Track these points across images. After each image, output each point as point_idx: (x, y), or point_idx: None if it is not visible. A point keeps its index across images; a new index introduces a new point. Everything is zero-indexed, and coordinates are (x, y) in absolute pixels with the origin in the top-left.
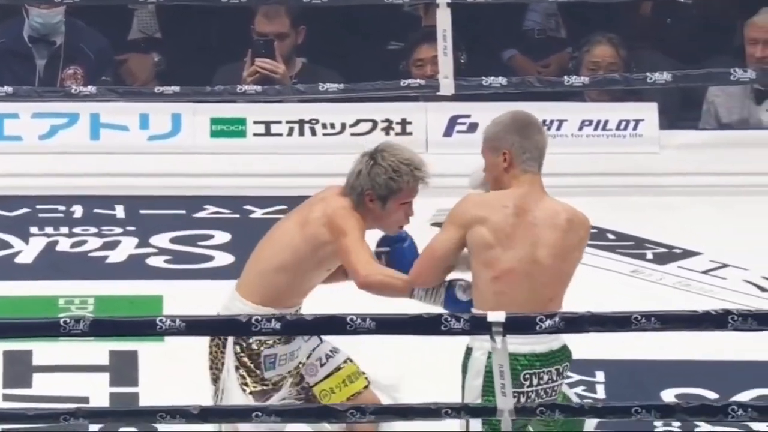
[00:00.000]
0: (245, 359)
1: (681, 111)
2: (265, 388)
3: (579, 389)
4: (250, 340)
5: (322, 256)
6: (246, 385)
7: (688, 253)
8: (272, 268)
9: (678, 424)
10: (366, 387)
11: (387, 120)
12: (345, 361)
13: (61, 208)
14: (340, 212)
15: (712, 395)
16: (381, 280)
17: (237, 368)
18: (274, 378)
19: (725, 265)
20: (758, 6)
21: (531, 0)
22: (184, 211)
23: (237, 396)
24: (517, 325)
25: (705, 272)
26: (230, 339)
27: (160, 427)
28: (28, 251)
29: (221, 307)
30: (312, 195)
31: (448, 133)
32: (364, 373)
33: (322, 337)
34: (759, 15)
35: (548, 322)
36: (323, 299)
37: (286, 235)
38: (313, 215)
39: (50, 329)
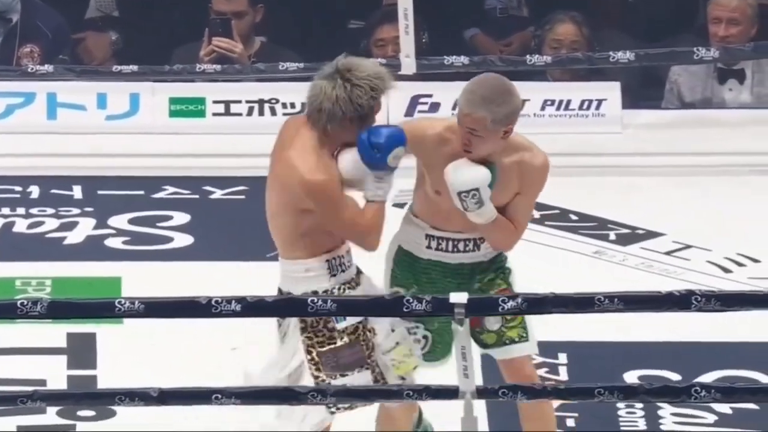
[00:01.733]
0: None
1: (644, 90)
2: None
3: (542, 371)
4: (315, 293)
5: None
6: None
7: (651, 234)
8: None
9: (641, 405)
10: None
11: None
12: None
13: (18, 188)
14: (318, 183)
15: (675, 377)
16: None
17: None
18: (348, 329)
19: (688, 246)
20: None
21: None
22: (142, 192)
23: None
24: (480, 305)
25: (668, 253)
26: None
27: (118, 409)
28: None
29: (283, 280)
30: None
31: (409, 112)
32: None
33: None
34: None
35: (510, 303)
36: None
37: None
38: (289, 181)
39: (7, 311)
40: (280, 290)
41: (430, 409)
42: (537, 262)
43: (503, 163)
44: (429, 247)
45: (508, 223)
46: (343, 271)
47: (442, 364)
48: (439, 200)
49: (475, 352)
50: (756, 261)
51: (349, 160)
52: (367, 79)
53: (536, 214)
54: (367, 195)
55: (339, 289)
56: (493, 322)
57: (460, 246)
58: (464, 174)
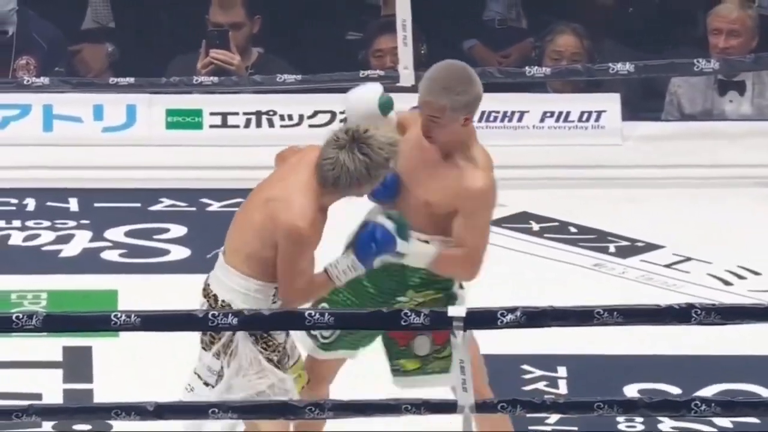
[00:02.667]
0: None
1: (644, 102)
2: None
3: (541, 384)
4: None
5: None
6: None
7: (651, 247)
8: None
9: (641, 419)
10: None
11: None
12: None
13: (14, 201)
14: (300, 231)
15: (675, 390)
16: (308, 298)
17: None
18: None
19: (688, 259)
20: None
21: None
22: (139, 204)
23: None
24: (478, 319)
25: (668, 266)
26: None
27: (114, 424)
28: None
29: (222, 288)
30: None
31: None
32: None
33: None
34: (722, 4)
35: (509, 317)
36: None
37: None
38: (279, 213)
39: (2, 324)
40: (210, 291)
41: (428, 424)
42: (536, 275)
43: (457, 164)
44: None
45: (455, 254)
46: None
47: (348, 356)
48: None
49: None
50: (756, 273)
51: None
52: (383, 152)
53: (535, 227)
54: (331, 269)
55: None
56: (422, 348)
57: None
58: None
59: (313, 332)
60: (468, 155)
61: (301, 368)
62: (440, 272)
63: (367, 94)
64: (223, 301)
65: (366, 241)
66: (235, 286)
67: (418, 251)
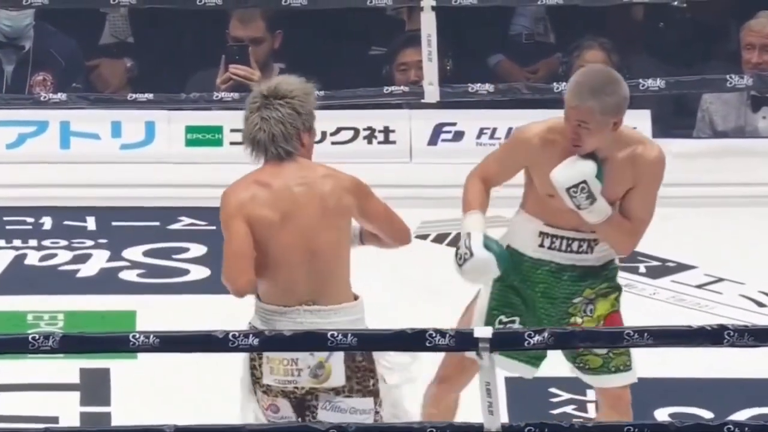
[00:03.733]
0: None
1: (675, 119)
2: None
3: (569, 408)
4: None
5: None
6: None
7: (682, 267)
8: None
9: None
10: None
11: (369, 128)
12: None
13: (30, 219)
14: (355, 179)
15: (707, 414)
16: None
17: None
18: None
19: (721, 279)
20: (754, 10)
21: (519, 3)
22: (158, 223)
23: None
24: (505, 340)
25: (700, 286)
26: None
27: None
28: None
29: None
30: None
31: (432, 141)
32: None
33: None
34: (756, 19)
35: (537, 338)
36: None
37: (323, 231)
38: (328, 193)
39: (18, 346)
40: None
41: None
42: None
43: (615, 157)
44: (542, 245)
45: (624, 221)
46: None
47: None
48: (552, 202)
49: (501, 386)
50: None
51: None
52: (301, 90)
53: None
54: None
55: None
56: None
57: (574, 246)
58: (568, 170)
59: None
60: (626, 138)
61: None
62: (603, 235)
63: (486, 266)
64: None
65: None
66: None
67: (602, 204)
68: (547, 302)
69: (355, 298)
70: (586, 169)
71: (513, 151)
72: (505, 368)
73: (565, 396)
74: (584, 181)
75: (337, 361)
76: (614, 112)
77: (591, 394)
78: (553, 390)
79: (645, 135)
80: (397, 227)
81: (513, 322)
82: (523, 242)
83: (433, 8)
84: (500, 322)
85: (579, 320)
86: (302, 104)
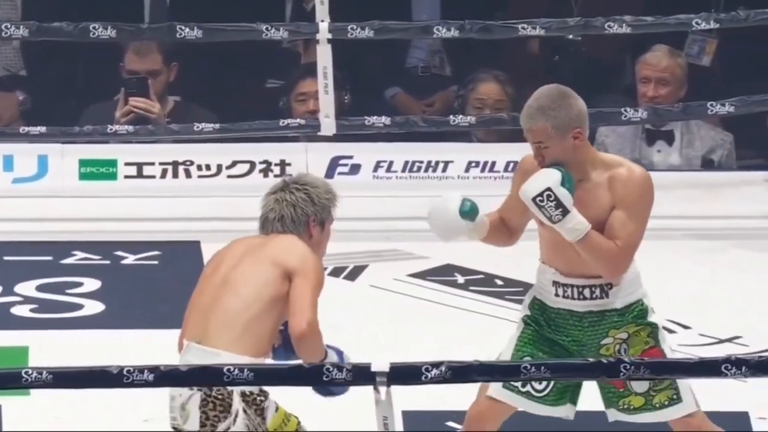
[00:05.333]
0: (253, 415)
1: None
2: None
3: None
4: (255, 394)
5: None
6: None
7: None
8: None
9: None
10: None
11: (265, 161)
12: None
13: None
14: (313, 257)
15: None
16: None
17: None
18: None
19: None
20: (649, 44)
21: (415, 36)
22: (51, 258)
23: None
24: (403, 374)
25: None
26: (236, 398)
27: None
28: None
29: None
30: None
31: (329, 174)
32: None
33: None
34: (652, 52)
35: (434, 372)
36: None
37: (256, 276)
38: (283, 256)
39: None
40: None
41: None
42: (461, 329)
43: (592, 179)
44: (557, 294)
45: (605, 242)
46: None
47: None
48: (547, 234)
49: (398, 420)
50: (686, 327)
51: None
52: (320, 184)
53: (461, 279)
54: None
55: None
56: (641, 385)
57: (586, 293)
58: (532, 181)
59: (524, 387)
60: (606, 161)
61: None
62: (586, 256)
63: (446, 204)
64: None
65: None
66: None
67: (576, 217)
68: (580, 349)
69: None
70: (550, 177)
71: (514, 180)
72: (541, 412)
73: None
74: (548, 188)
75: (194, 406)
76: (568, 125)
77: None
78: (450, 424)
79: (630, 161)
80: (299, 317)
81: None
82: (543, 293)
83: (329, 41)
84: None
85: None
86: (319, 196)
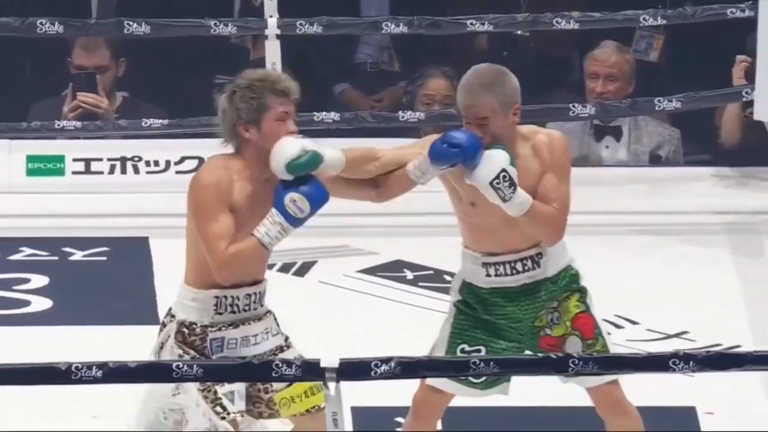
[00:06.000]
0: (187, 349)
1: None
2: None
3: None
4: (193, 324)
5: None
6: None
7: None
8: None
9: None
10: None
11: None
12: None
13: None
14: (193, 186)
15: None
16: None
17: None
18: None
19: None
20: (597, 40)
21: (363, 32)
22: None
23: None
24: (352, 370)
25: None
26: (171, 337)
27: None
28: None
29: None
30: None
31: None
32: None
33: (290, 340)
34: (600, 48)
35: (384, 367)
36: None
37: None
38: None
39: None
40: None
41: None
42: (411, 324)
43: (519, 152)
44: (488, 275)
45: (545, 208)
46: (233, 312)
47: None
48: (476, 214)
49: (347, 416)
50: (634, 323)
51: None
52: (246, 83)
53: (410, 275)
54: (257, 231)
55: (218, 328)
56: (575, 346)
57: (519, 266)
58: (485, 166)
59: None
60: (524, 133)
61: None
62: (530, 227)
63: (281, 152)
64: (170, 310)
65: (449, 143)
66: (179, 297)
67: (521, 191)
68: (516, 325)
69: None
70: (501, 157)
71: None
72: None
73: None
74: (504, 170)
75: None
76: (511, 101)
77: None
78: (399, 419)
79: (539, 127)
80: (211, 262)
81: (478, 351)
82: (473, 276)
83: (277, 36)
84: (462, 351)
85: (549, 331)
86: (242, 95)
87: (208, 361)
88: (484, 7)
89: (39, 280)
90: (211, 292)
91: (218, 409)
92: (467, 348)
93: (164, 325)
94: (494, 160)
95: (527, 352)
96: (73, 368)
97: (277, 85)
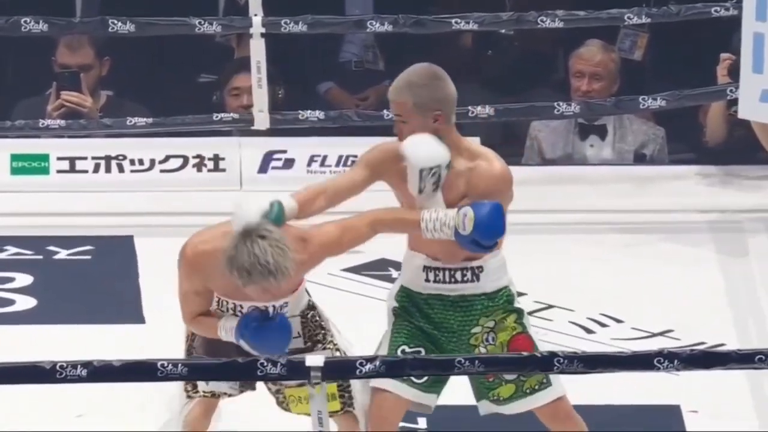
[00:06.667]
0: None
1: (504, 146)
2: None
3: None
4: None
5: None
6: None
7: None
8: None
9: None
10: (337, 412)
11: (199, 156)
12: None
13: None
14: (186, 246)
15: None
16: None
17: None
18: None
19: (550, 306)
20: (582, 38)
21: (348, 31)
22: None
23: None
24: (337, 368)
25: (530, 313)
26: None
27: None
28: None
29: None
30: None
31: (263, 169)
32: (343, 398)
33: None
34: (586, 47)
35: (369, 366)
36: None
37: None
38: None
39: None
40: None
41: None
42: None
43: (454, 166)
44: (428, 280)
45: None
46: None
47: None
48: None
49: None
50: (619, 321)
51: None
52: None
53: (395, 274)
54: (221, 327)
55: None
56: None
57: (458, 276)
58: (428, 150)
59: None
60: (472, 151)
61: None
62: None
63: (249, 209)
64: None
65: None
66: None
67: (440, 196)
68: (449, 335)
69: None
70: (443, 154)
71: (376, 169)
72: (405, 394)
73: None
74: (439, 166)
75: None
76: (428, 106)
77: (422, 422)
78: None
79: (495, 154)
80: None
81: (418, 352)
82: (411, 280)
83: (262, 35)
84: (403, 352)
85: (483, 350)
86: None
87: (193, 361)
88: (469, 5)
89: (23, 279)
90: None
91: (188, 386)
92: (407, 349)
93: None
94: (440, 151)
95: None
96: (57, 367)
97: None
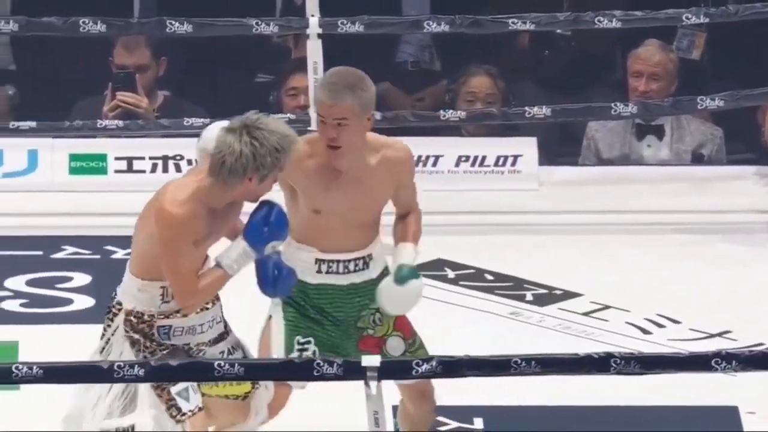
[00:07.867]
0: (136, 335)
1: (560, 146)
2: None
3: None
4: (141, 313)
5: None
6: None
7: (568, 294)
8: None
9: None
10: (248, 392)
11: None
12: None
13: None
14: (164, 218)
15: None
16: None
17: (132, 345)
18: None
19: (607, 307)
20: (639, 38)
21: (404, 31)
22: (41, 252)
23: None
24: (393, 369)
25: (586, 314)
26: (120, 326)
27: None
28: None
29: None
30: None
31: None
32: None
33: (230, 327)
34: (643, 47)
35: (425, 366)
36: None
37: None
38: (155, 202)
39: None
40: (115, 294)
41: None
42: (451, 324)
43: (369, 163)
44: (319, 271)
45: (418, 221)
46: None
47: None
48: (318, 219)
49: (389, 415)
50: (676, 322)
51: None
52: (273, 138)
53: (451, 274)
54: (221, 260)
55: (166, 315)
56: (397, 348)
57: (351, 266)
58: (402, 302)
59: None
60: (371, 143)
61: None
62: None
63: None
64: (114, 296)
65: (258, 223)
66: (126, 287)
67: (411, 250)
68: (338, 321)
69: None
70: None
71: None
72: None
73: (453, 425)
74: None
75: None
76: (368, 107)
77: (478, 423)
78: (440, 419)
79: (384, 137)
80: (177, 299)
81: (309, 342)
82: (301, 271)
83: (319, 36)
84: (298, 342)
85: (371, 332)
86: (264, 153)
87: (249, 361)
88: (525, 5)
89: (81, 279)
90: (157, 283)
91: (173, 412)
92: (301, 339)
93: (111, 314)
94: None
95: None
96: (115, 367)
97: (293, 148)
